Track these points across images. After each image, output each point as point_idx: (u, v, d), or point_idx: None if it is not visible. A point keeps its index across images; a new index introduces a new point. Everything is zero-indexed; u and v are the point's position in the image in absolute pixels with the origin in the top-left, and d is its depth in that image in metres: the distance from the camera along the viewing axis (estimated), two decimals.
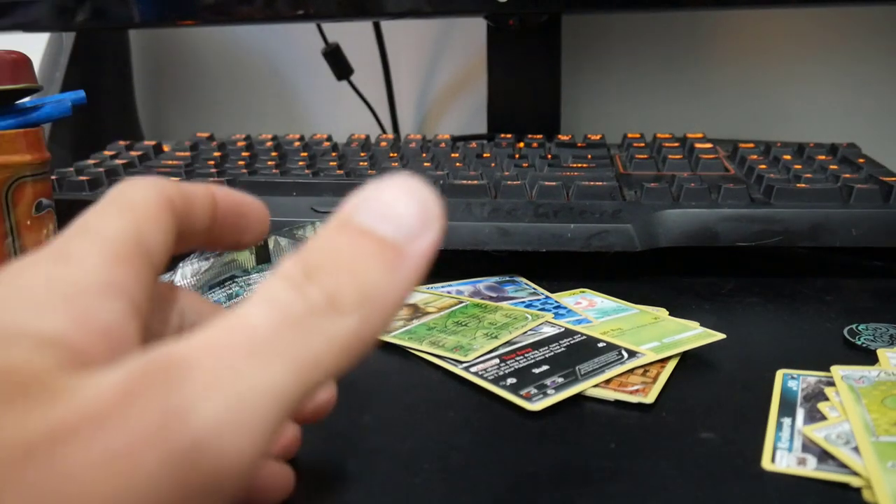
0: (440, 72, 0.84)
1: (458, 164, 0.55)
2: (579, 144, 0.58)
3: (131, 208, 0.19)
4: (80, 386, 0.14)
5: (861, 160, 0.52)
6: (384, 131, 0.82)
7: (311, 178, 0.52)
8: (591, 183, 0.48)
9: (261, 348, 0.15)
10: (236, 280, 0.40)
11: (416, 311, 0.40)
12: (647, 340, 0.35)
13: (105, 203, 0.20)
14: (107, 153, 0.61)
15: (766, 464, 0.26)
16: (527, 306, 0.40)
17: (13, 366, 0.15)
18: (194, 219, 0.21)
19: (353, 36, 0.80)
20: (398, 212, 0.17)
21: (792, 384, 0.32)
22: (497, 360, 0.34)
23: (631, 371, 0.33)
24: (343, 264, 0.16)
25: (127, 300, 0.18)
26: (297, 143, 0.62)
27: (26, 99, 0.42)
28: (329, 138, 0.63)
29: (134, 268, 0.18)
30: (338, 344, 0.16)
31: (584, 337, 0.36)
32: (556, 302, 0.41)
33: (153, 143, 0.63)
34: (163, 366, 0.15)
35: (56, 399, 0.14)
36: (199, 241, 0.22)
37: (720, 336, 0.35)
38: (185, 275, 0.39)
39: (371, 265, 0.16)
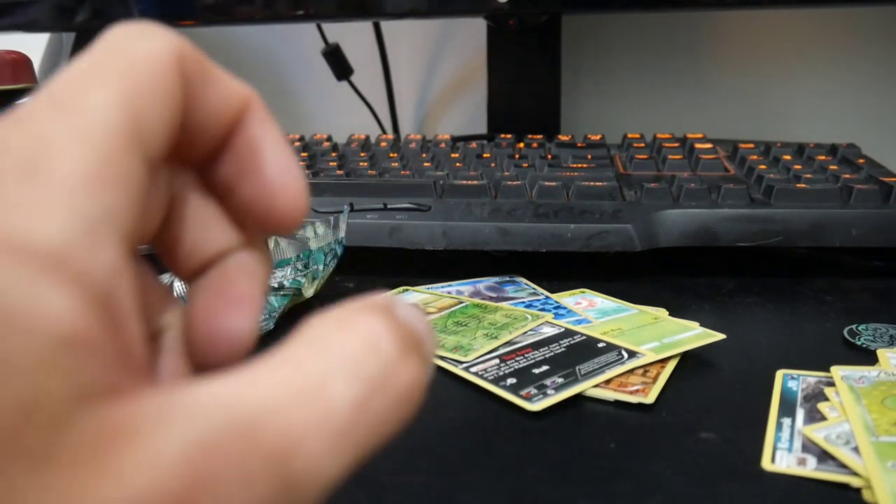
0: (440, 72, 0.84)
1: (458, 164, 0.55)
2: (579, 144, 0.58)
3: (131, 73, 0.14)
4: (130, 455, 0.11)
5: (861, 160, 0.52)
6: (384, 131, 0.82)
7: (311, 178, 0.52)
8: (591, 183, 0.48)
9: (343, 438, 0.13)
10: None
11: None
12: (647, 340, 0.35)
13: (95, 60, 0.14)
14: None
15: (766, 464, 0.26)
16: (527, 306, 0.40)
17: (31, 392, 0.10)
18: (207, 108, 0.16)
19: (353, 36, 0.80)
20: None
21: (792, 384, 0.32)
22: (497, 361, 0.34)
23: (631, 371, 0.33)
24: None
25: (121, 239, 0.13)
26: (297, 143, 0.62)
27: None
28: (329, 138, 0.63)
29: (129, 184, 0.14)
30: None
31: (584, 337, 0.36)
32: (556, 302, 0.41)
33: None
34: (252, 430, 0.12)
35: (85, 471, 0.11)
36: (198, 159, 0.17)
37: (720, 336, 0.35)
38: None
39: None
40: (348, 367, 0.13)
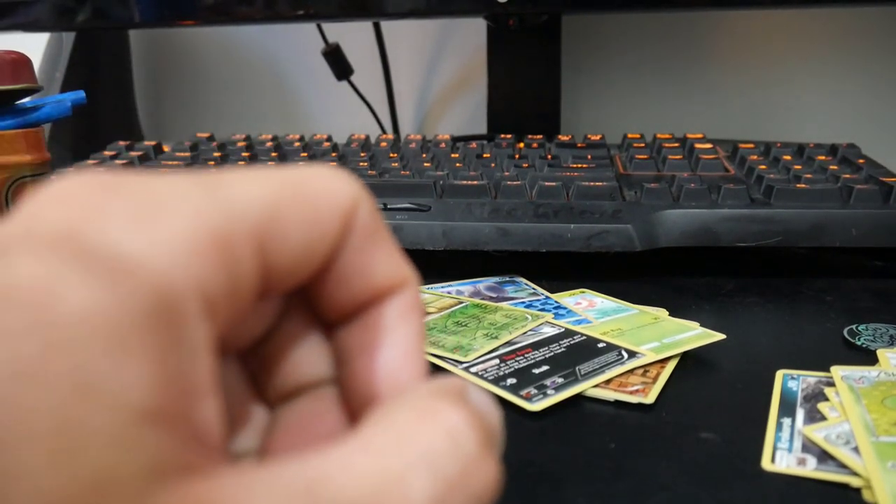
0: (440, 72, 0.84)
1: (458, 164, 0.55)
2: (579, 144, 0.58)
3: (293, 189, 0.14)
4: None
5: (861, 160, 0.52)
6: (384, 131, 0.82)
7: None
8: (591, 183, 0.48)
9: None
10: None
11: None
12: (647, 341, 0.35)
13: (275, 168, 0.15)
14: (107, 153, 0.61)
15: (766, 464, 0.26)
16: (527, 306, 0.40)
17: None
18: (356, 267, 0.15)
19: (353, 36, 0.80)
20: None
21: (792, 384, 0.32)
22: (497, 361, 0.34)
23: (631, 371, 0.33)
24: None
25: (207, 315, 0.13)
26: (297, 144, 0.62)
27: (26, 99, 0.42)
28: (329, 138, 0.63)
29: (232, 265, 0.13)
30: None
31: (583, 337, 0.36)
32: (556, 302, 0.41)
33: (153, 143, 0.63)
34: None
35: None
36: (330, 312, 0.16)
37: (720, 336, 0.35)
38: None
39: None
40: (429, 463, 0.13)
